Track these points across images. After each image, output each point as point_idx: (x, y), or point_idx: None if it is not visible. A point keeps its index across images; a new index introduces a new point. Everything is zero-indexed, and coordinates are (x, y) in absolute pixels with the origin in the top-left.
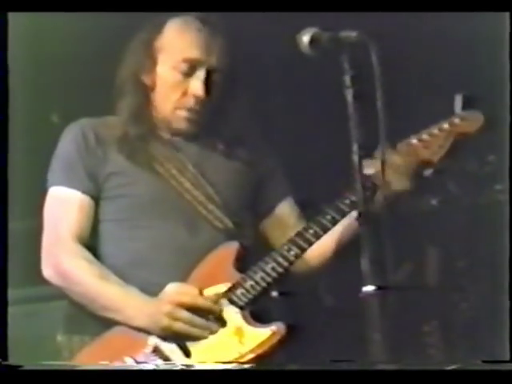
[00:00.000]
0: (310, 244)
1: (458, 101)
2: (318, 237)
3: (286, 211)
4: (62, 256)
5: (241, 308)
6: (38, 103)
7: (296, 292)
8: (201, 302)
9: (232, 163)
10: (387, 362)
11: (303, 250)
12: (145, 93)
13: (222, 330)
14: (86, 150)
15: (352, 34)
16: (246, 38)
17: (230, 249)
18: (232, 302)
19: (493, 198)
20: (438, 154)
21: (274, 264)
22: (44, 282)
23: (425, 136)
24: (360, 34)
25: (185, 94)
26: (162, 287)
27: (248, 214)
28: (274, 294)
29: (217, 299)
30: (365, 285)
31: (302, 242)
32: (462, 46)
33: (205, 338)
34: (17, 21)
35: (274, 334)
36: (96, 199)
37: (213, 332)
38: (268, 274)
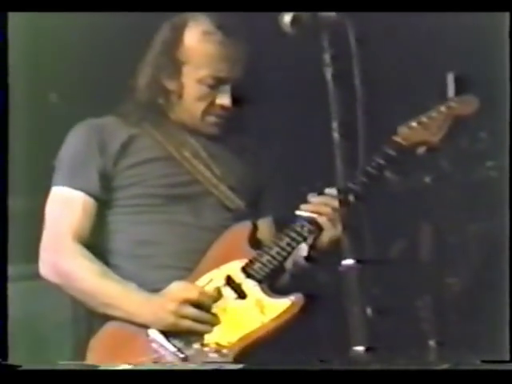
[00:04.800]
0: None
1: (451, 80)
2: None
3: (264, 228)
4: (61, 254)
5: (259, 281)
6: (37, 103)
7: None
8: (205, 297)
9: (241, 158)
10: (386, 361)
11: (317, 225)
12: (162, 93)
13: (242, 303)
14: (97, 147)
15: (331, 14)
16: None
17: (244, 228)
18: (250, 276)
19: (484, 175)
20: (438, 135)
21: (288, 239)
22: None
23: (424, 119)
24: (338, 13)
25: (212, 103)
26: (166, 268)
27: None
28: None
29: (219, 294)
30: (344, 258)
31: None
32: (462, 45)
33: (209, 332)
34: (17, 21)
35: (293, 303)
36: (102, 199)
37: (216, 324)
38: (283, 249)
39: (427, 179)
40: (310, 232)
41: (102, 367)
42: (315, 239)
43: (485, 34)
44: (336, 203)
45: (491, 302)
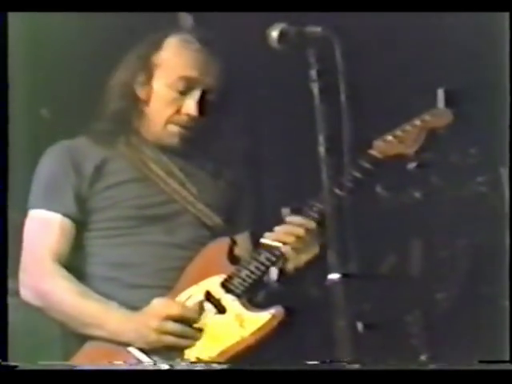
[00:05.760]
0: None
1: (441, 95)
2: (306, 229)
3: (242, 243)
4: (40, 276)
5: (238, 296)
6: (37, 102)
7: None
8: (187, 313)
9: (217, 182)
10: (384, 361)
11: (295, 240)
12: (134, 103)
13: (222, 318)
14: (72, 169)
15: (317, 29)
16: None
17: (222, 244)
18: (229, 291)
19: (475, 190)
20: (413, 147)
21: (267, 254)
22: None
23: (398, 132)
24: (324, 28)
25: (178, 111)
26: (141, 288)
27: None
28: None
29: (201, 308)
30: (330, 273)
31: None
32: (462, 45)
33: (191, 347)
34: (17, 21)
35: (273, 317)
36: (78, 221)
37: (198, 339)
38: (262, 264)
39: (418, 194)
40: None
41: (100, 367)
42: (284, 264)
43: (485, 35)
44: (300, 231)
45: (484, 314)
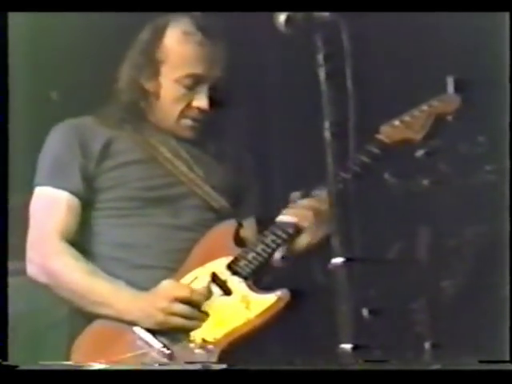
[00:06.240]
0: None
1: (450, 81)
2: (319, 208)
3: (248, 227)
4: (48, 254)
5: (245, 278)
6: (37, 102)
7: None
8: (196, 295)
9: (224, 165)
10: (382, 360)
11: (297, 229)
12: (144, 95)
13: (228, 299)
14: (79, 147)
15: (325, 14)
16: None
17: (229, 226)
18: (235, 273)
19: (483, 179)
20: (421, 132)
21: (273, 237)
22: None
23: (406, 118)
24: (332, 13)
25: (189, 106)
26: (146, 268)
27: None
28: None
29: (209, 292)
30: (334, 257)
31: None
32: (462, 45)
33: (197, 329)
34: (17, 21)
35: (279, 299)
36: (84, 199)
37: (205, 321)
38: (268, 246)
39: (426, 182)
40: (292, 233)
41: (100, 367)
42: (293, 241)
43: (485, 34)
44: (320, 206)
45: (489, 305)
